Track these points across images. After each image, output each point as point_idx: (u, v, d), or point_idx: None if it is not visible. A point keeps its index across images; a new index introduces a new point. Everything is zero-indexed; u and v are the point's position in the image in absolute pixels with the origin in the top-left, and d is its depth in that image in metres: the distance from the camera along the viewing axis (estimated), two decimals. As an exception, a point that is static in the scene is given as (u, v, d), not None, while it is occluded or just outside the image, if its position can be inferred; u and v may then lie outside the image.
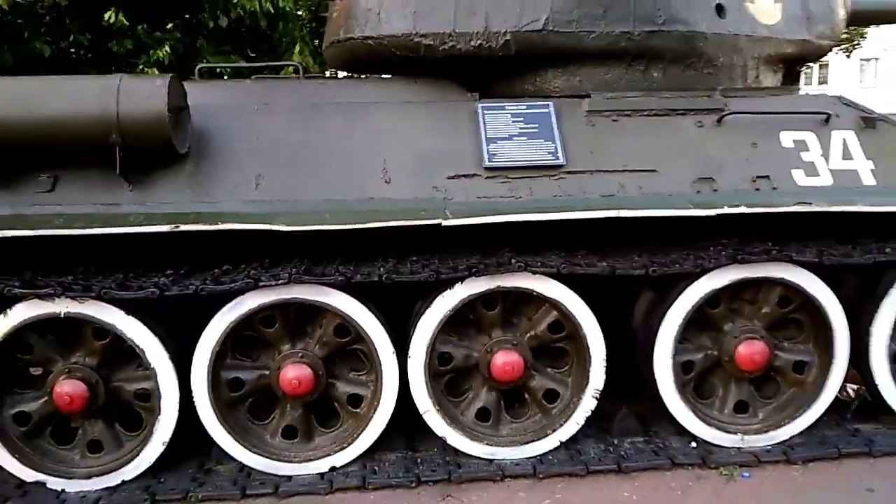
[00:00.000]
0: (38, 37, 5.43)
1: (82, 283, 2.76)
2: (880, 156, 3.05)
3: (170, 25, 5.96)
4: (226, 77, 6.24)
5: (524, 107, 3.07)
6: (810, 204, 2.82)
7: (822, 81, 34.90)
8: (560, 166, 2.92)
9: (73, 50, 5.92)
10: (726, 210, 2.79)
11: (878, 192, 2.96)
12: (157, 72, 5.68)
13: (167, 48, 5.76)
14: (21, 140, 2.65)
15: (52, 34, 5.71)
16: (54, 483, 2.92)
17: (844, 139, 3.08)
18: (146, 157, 2.77)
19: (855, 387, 3.42)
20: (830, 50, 3.82)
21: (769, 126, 3.06)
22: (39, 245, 2.74)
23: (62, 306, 2.78)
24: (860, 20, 4.51)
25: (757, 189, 2.92)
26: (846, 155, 3.05)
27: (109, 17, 5.46)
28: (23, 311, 2.79)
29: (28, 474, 2.91)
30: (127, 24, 5.59)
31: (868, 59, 33.82)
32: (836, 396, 3.23)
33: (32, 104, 2.62)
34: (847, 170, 3.02)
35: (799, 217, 2.88)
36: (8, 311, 2.78)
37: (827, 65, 31.05)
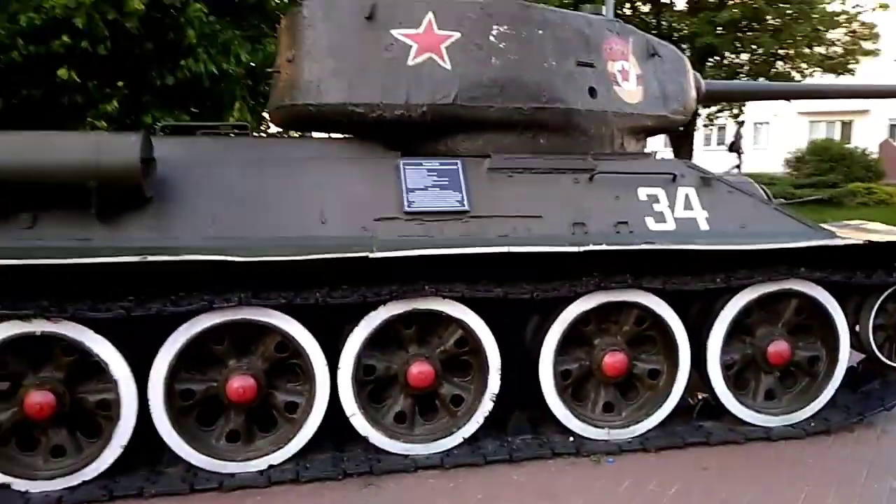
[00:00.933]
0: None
1: (58, 306, 3.22)
2: (714, 207, 3.90)
3: (120, 83, 6.46)
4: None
5: (437, 164, 3.76)
6: (654, 243, 3.60)
7: (720, 142, 38.07)
8: (465, 212, 3.62)
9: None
10: (592, 247, 3.52)
11: (711, 235, 3.79)
12: (104, 124, 6.14)
13: (115, 102, 6.25)
14: (12, 183, 3.13)
15: (6, 89, 6.13)
16: (20, 484, 3.29)
17: (687, 194, 3.92)
18: (118, 199, 3.29)
19: (705, 394, 4.18)
20: (684, 122, 4.74)
21: (629, 183, 3.87)
22: (20, 274, 3.18)
23: (38, 326, 3.23)
24: (714, 99, 5.52)
25: (618, 232, 3.70)
26: (687, 206, 3.89)
27: (63, 74, 5.94)
28: (1, 331, 3.21)
29: (-4, 477, 3.29)
30: (79, 80, 6.08)
31: (761, 123, 37.35)
32: (689, 401, 4.02)
33: (25, 154, 3.12)
34: (688, 217, 3.85)
35: (650, 254, 3.65)
36: (-12, 331, 3.21)
37: (724, 127, 33.63)
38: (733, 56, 18.14)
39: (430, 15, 3.77)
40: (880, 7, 17.13)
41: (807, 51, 17.19)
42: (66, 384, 3.35)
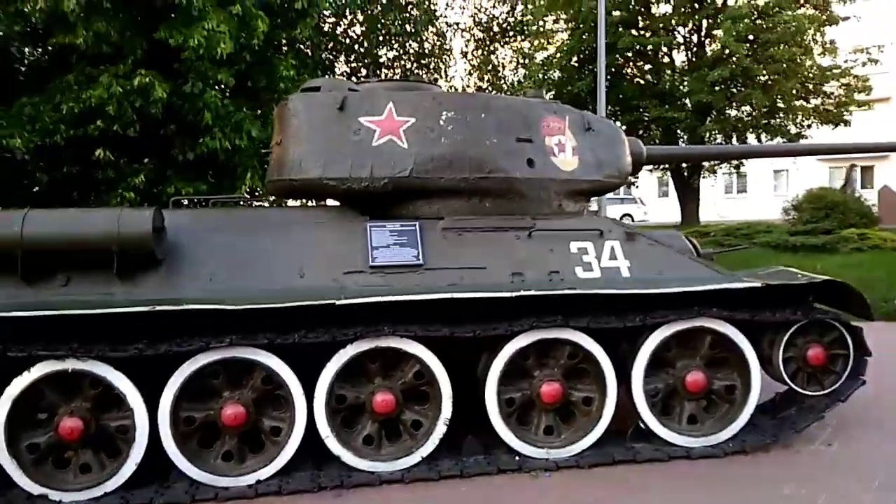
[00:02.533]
0: (38, 168, 6.83)
1: (85, 347, 3.98)
2: (635, 258, 4.59)
3: (146, 160, 7.44)
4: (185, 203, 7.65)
5: (398, 225, 4.52)
6: (574, 289, 4.27)
7: (742, 190, 38.85)
8: (421, 265, 4.37)
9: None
10: (523, 293, 4.20)
11: (630, 281, 4.46)
12: (133, 195, 7.09)
13: (142, 177, 7.21)
14: (53, 250, 3.96)
15: (50, 166, 7.14)
16: (55, 495, 3.98)
17: (612, 247, 4.62)
18: (134, 261, 4.09)
19: (638, 420, 4.74)
20: (620, 185, 5.45)
21: (562, 238, 4.58)
22: (56, 322, 3.94)
23: (70, 364, 3.99)
24: (654, 162, 6.23)
25: (550, 280, 4.40)
26: (612, 257, 4.58)
27: (99, 154, 6.92)
28: (41, 369, 3.97)
29: (35, 489, 3.97)
30: (112, 158, 7.06)
31: (780, 171, 38.14)
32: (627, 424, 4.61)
33: (62, 228, 3.96)
34: (612, 267, 4.54)
35: (576, 297, 4.31)
36: (30, 369, 3.98)
37: (745, 175, 34.04)
38: (731, 111, 18.91)
39: (390, 104, 4.60)
40: (870, 62, 17.86)
41: (801, 104, 17.90)
42: (92, 412, 4.07)
